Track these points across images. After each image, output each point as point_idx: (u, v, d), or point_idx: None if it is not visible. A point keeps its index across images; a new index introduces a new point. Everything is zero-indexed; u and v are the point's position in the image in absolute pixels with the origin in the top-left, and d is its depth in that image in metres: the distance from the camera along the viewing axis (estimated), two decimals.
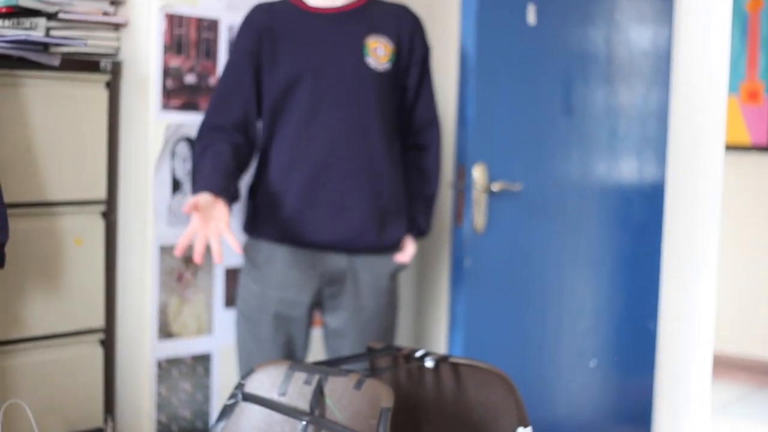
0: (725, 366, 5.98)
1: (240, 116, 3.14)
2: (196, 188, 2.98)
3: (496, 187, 3.36)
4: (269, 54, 3.13)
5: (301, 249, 3.14)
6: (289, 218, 3.11)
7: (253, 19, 3.18)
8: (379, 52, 3.16)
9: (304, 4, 3.18)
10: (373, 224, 3.11)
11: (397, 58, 3.18)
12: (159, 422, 3.31)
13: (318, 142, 3.10)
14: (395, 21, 3.21)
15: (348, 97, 3.12)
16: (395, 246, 3.17)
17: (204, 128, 3.14)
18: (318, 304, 3.20)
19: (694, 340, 4.51)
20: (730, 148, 5.58)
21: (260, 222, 3.17)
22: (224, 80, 3.17)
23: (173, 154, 3.29)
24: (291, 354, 3.19)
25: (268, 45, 3.13)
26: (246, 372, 2.84)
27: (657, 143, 4.01)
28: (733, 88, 5.89)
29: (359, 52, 3.14)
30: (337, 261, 3.14)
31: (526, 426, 2.54)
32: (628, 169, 3.91)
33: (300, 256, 3.14)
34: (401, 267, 3.19)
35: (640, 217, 3.97)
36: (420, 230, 3.22)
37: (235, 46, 3.19)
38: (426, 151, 3.25)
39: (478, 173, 3.33)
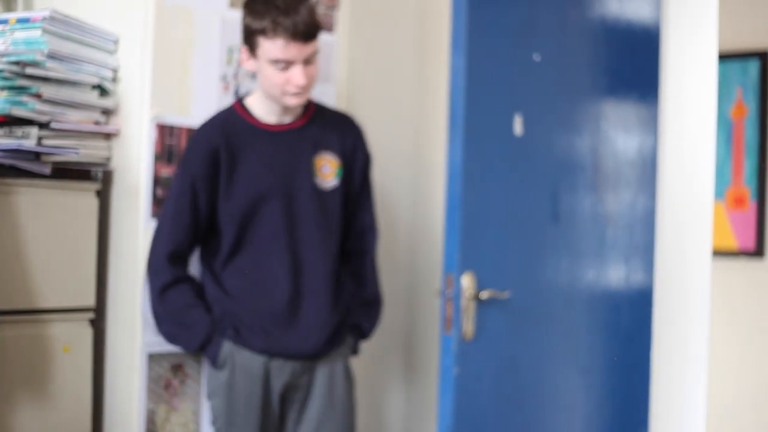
0: None
1: (189, 244, 3.20)
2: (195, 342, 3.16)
3: (484, 295, 3.36)
4: (226, 176, 3.17)
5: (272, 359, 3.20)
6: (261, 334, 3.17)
7: (205, 140, 3.19)
8: (325, 171, 3.23)
9: (255, 119, 3.21)
10: (335, 334, 3.25)
11: (343, 172, 3.26)
12: None
13: (280, 270, 3.19)
14: (339, 133, 3.29)
15: (303, 219, 3.21)
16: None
17: (160, 257, 3.17)
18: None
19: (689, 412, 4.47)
20: (717, 253, 5.60)
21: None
22: (175, 205, 3.18)
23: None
24: None
25: (225, 167, 3.16)
26: None
27: (644, 250, 4.03)
28: (719, 194, 5.93)
29: (308, 173, 3.21)
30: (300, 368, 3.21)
31: None
32: (616, 276, 3.93)
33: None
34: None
35: (628, 324, 3.97)
36: (362, 333, 3.36)
37: (185, 168, 3.18)
38: (363, 256, 3.39)
39: (466, 281, 3.34)
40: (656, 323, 4.08)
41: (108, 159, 3.33)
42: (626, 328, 3.96)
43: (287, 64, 3.08)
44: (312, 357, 3.22)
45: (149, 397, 3.28)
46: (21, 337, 3.08)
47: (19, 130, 3.12)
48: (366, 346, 3.86)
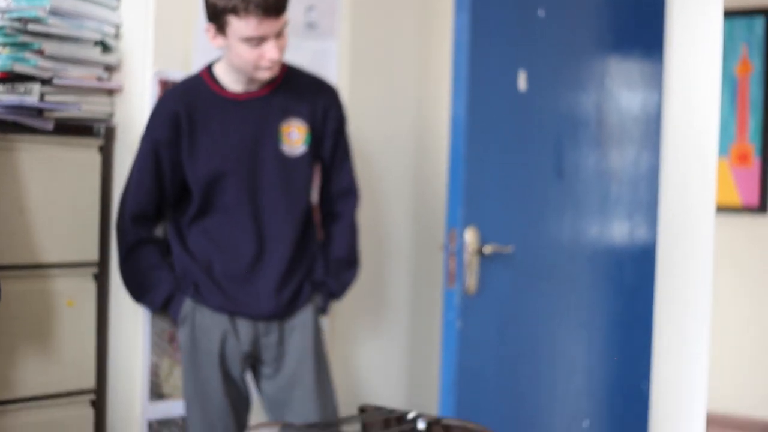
0: (719, 426, 5.95)
1: (154, 206, 3.22)
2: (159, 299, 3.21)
3: (487, 249, 3.37)
4: (188, 143, 3.17)
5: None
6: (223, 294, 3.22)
7: (168, 106, 3.19)
8: (292, 137, 3.22)
9: (220, 87, 3.20)
10: (296, 295, 3.27)
11: (313, 137, 3.25)
12: None
13: (243, 235, 3.21)
14: (310, 98, 3.27)
15: (267, 187, 3.21)
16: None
17: (126, 218, 3.20)
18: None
19: (687, 400, 4.49)
20: (721, 209, 5.60)
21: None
22: (139, 167, 3.19)
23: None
24: None
25: (187, 134, 3.17)
26: None
27: (648, 206, 4.03)
28: (723, 150, 5.93)
29: (274, 140, 3.20)
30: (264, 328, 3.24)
31: None
32: (619, 232, 3.93)
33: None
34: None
35: (631, 279, 3.98)
36: (331, 293, 3.34)
37: (147, 132, 3.19)
38: (337, 219, 3.38)
39: (469, 236, 3.34)
40: (659, 279, 4.08)
41: (110, 115, 3.33)
42: (629, 283, 3.97)
43: (260, 41, 3.07)
44: (272, 317, 3.23)
45: (153, 350, 3.29)
46: (25, 291, 3.09)
47: (21, 87, 3.11)
48: (368, 302, 3.88)
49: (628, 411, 4.00)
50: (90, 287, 3.26)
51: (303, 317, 3.27)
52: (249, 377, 3.31)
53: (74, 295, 3.21)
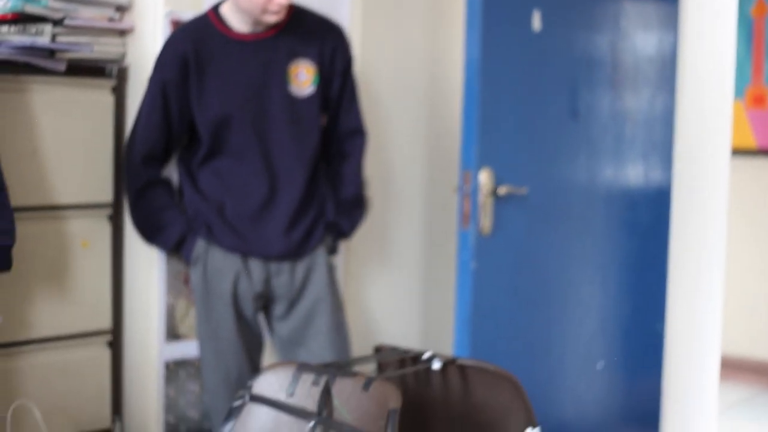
0: (733, 367, 5.96)
1: (163, 147, 3.22)
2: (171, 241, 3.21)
3: (502, 191, 3.36)
4: (196, 85, 3.16)
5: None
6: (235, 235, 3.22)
7: (176, 46, 3.17)
8: (300, 78, 3.20)
9: (227, 28, 3.17)
10: (307, 235, 3.27)
11: (321, 77, 3.23)
12: (167, 423, 3.32)
13: (254, 176, 3.21)
14: (318, 39, 3.25)
15: (276, 128, 3.20)
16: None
17: (135, 160, 3.19)
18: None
19: (702, 341, 4.50)
20: (736, 152, 5.57)
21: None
22: (147, 108, 3.18)
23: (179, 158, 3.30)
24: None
25: (195, 75, 3.15)
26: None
27: (663, 148, 4.01)
28: (738, 93, 5.88)
29: (282, 81, 3.18)
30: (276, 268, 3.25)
31: (534, 426, 2.54)
32: (634, 174, 3.91)
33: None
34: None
35: (646, 221, 3.97)
36: (341, 233, 3.35)
37: (155, 73, 3.17)
38: (346, 158, 3.37)
39: (484, 177, 3.33)
40: (674, 220, 4.07)
41: (122, 55, 3.31)
42: (644, 225, 3.96)
43: None
44: (284, 257, 3.24)
45: (168, 291, 3.30)
46: (40, 233, 3.09)
47: (32, 28, 3.09)
48: (383, 243, 3.88)
49: (643, 352, 4.01)
50: (104, 228, 3.26)
51: (315, 257, 3.28)
52: (262, 318, 3.32)
53: (89, 237, 3.21)
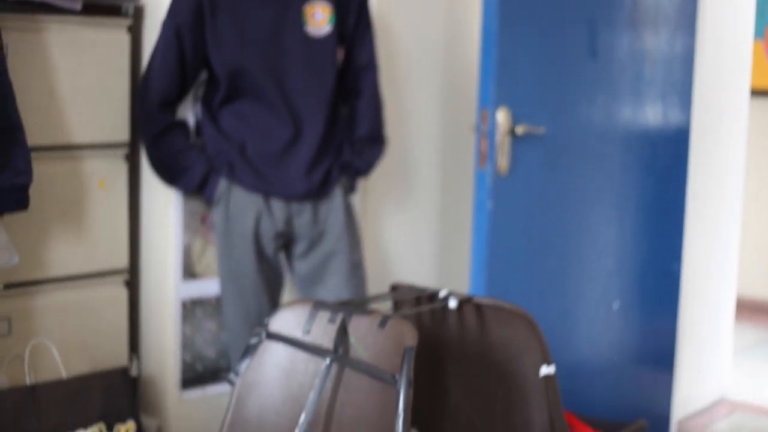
0: (748, 309, 5.96)
1: (178, 91, 3.21)
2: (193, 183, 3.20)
3: (519, 130, 3.35)
4: (211, 29, 3.14)
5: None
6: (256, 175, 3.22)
7: None
8: (317, 18, 3.18)
9: None
10: (327, 175, 3.29)
11: (337, 16, 3.22)
12: (183, 361, 3.34)
13: (275, 118, 3.21)
14: None
15: (294, 69, 3.19)
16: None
17: (151, 105, 3.18)
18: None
19: (718, 283, 4.50)
20: (755, 92, 5.53)
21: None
22: (162, 53, 3.16)
23: (196, 98, 3.29)
24: None
25: (210, 18, 3.13)
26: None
27: (682, 87, 3.98)
28: (759, 32, 5.83)
29: (298, 22, 3.17)
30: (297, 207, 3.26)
31: (549, 364, 2.54)
32: (652, 113, 3.89)
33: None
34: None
35: (664, 161, 3.94)
36: (357, 171, 3.36)
37: (170, 16, 3.15)
38: (359, 96, 3.37)
39: (501, 116, 3.31)
40: (692, 161, 4.05)
41: None
42: (662, 165, 3.93)
43: None
44: (305, 197, 3.25)
45: (185, 231, 3.31)
46: (56, 173, 3.10)
47: None
48: (399, 182, 3.88)
49: (659, 293, 4.01)
50: (121, 168, 3.26)
51: (335, 197, 3.29)
52: (282, 258, 3.33)
53: (105, 176, 3.22)
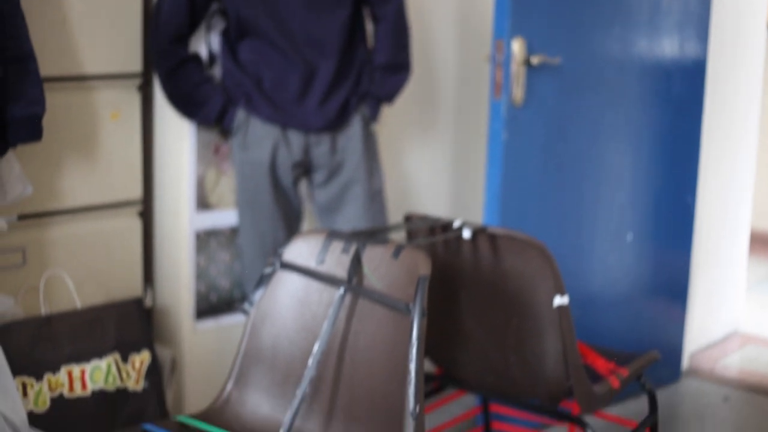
0: (761, 243, 5.95)
1: (190, 25, 3.19)
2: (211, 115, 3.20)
3: (534, 60, 3.32)
4: None
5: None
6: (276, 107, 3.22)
7: None
8: None
9: None
10: (345, 106, 3.29)
11: None
12: (197, 292, 3.36)
13: (289, 52, 3.19)
14: None
15: (295, 9, 3.17)
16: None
17: (164, 40, 3.17)
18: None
19: (732, 216, 4.49)
20: None
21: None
22: None
23: (209, 27, 3.27)
24: None
25: None
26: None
27: (699, 19, 3.93)
28: None
29: None
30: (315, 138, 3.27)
31: (563, 295, 2.55)
32: (669, 44, 3.85)
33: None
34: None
35: (680, 93, 3.92)
36: (378, 99, 3.36)
37: None
38: (379, 22, 3.34)
39: (516, 46, 3.29)
40: (708, 92, 4.03)
41: None
42: (678, 96, 3.91)
43: None
44: (322, 129, 3.25)
45: (198, 161, 3.31)
46: (69, 103, 3.09)
47: None
48: (414, 113, 3.86)
49: (673, 225, 4.00)
50: (134, 99, 3.25)
51: (353, 126, 3.29)
52: (302, 188, 3.36)
53: (118, 107, 3.21)
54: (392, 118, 3.72)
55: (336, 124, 3.26)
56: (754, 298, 5.05)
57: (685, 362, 4.26)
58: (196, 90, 3.20)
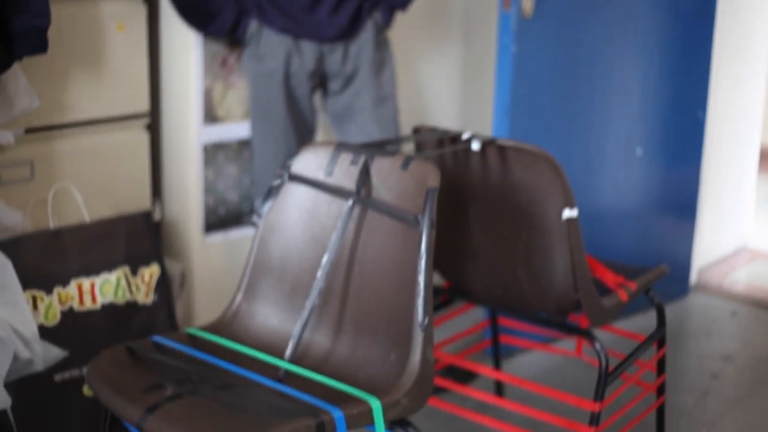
0: None
1: None
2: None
3: None
4: None
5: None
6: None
7: None
8: None
9: None
10: (357, 15, 3.26)
11: None
12: (206, 206, 3.35)
13: None
14: None
15: None
16: None
17: None
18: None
19: (743, 131, 4.47)
20: None
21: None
22: None
23: None
24: None
25: None
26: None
27: None
28: None
29: None
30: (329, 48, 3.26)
31: (572, 208, 2.54)
32: None
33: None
34: None
35: (691, 5, 3.87)
36: (391, 6, 3.33)
37: None
38: None
39: None
40: (720, 5, 3.98)
41: None
42: (689, 9, 3.86)
43: None
44: (335, 39, 3.22)
45: (206, 74, 3.28)
46: (75, 15, 3.05)
47: None
48: (424, 25, 3.82)
49: (683, 140, 3.98)
50: (140, 11, 3.22)
51: (366, 33, 3.28)
52: (317, 100, 3.37)
53: (124, 19, 3.17)
54: (402, 31, 3.68)
55: (348, 32, 3.24)
56: (762, 214, 5.04)
57: (693, 277, 4.27)
58: (208, 2, 3.17)
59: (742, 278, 4.34)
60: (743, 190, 4.58)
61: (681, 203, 4.07)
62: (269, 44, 3.21)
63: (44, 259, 2.93)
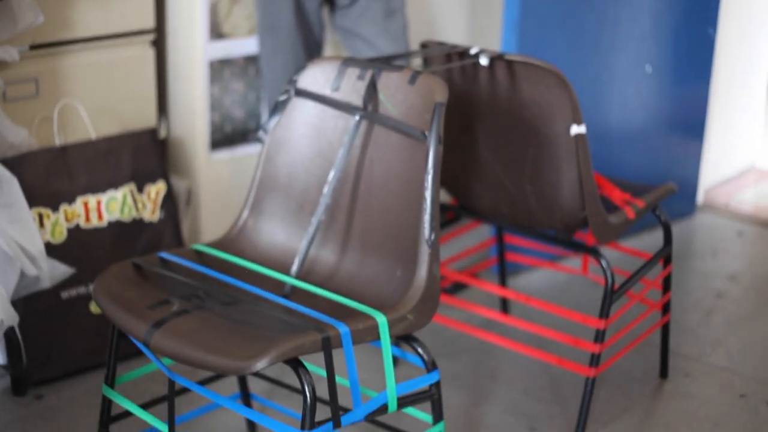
0: None
1: None
2: None
3: None
4: None
5: None
6: None
7: None
8: None
9: None
10: None
11: None
12: (212, 122, 3.34)
13: None
14: None
15: None
16: None
17: None
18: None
19: (753, 50, 4.42)
20: None
21: None
22: None
23: None
24: None
25: None
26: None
27: None
28: None
29: None
30: None
31: (580, 124, 2.52)
32: None
33: None
34: None
35: None
36: None
37: None
38: None
39: None
40: None
41: None
42: None
43: None
44: None
45: None
46: None
47: None
48: None
49: (692, 58, 3.95)
50: None
51: None
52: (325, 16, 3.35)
53: None
54: None
55: None
56: None
57: (700, 197, 4.26)
58: None
59: (749, 198, 4.33)
60: (752, 109, 4.55)
61: (689, 122, 4.05)
62: None
63: (50, 176, 2.93)
